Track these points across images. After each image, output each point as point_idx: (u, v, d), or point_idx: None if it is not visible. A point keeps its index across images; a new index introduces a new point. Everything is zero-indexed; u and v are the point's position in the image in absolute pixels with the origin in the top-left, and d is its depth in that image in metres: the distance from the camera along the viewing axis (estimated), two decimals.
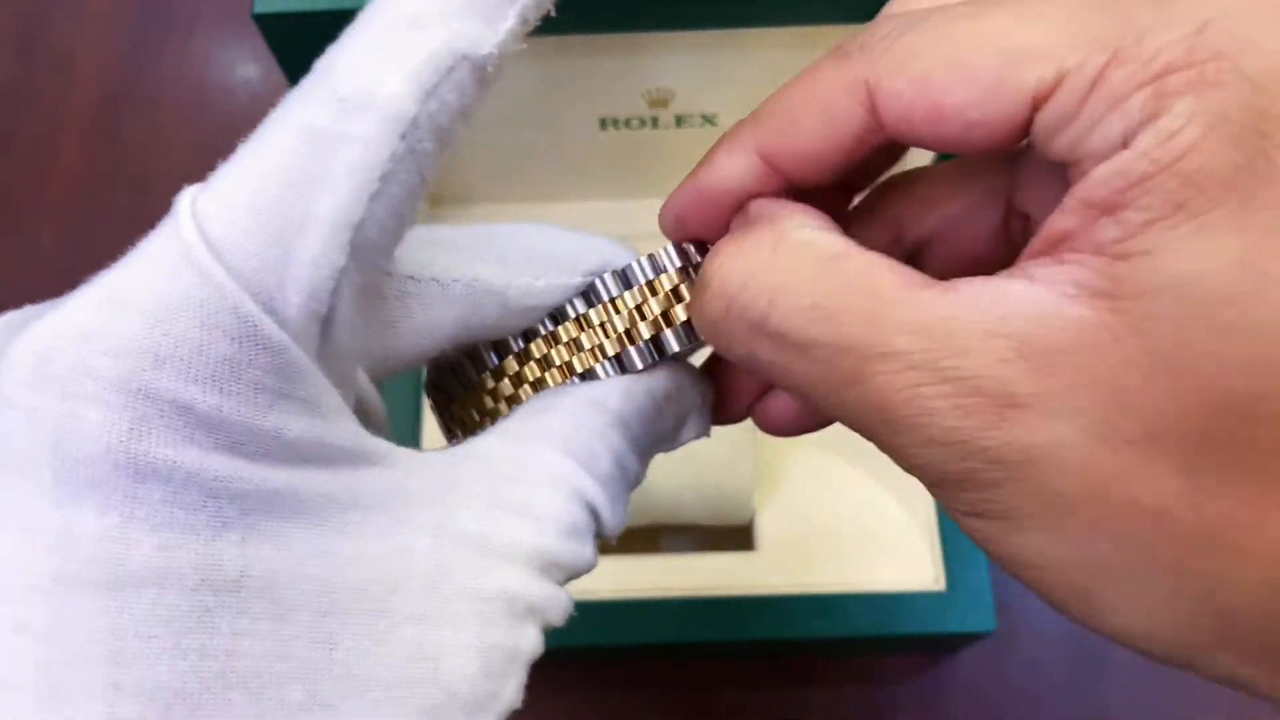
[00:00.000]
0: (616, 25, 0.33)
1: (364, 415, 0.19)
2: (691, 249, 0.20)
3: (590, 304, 0.20)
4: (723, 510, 0.45)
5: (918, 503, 0.45)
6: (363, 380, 0.19)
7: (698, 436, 0.22)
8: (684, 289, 0.20)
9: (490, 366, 0.21)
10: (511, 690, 0.17)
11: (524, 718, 0.55)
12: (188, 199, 0.15)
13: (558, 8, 0.18)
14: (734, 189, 0.20)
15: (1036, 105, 0.16)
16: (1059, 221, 0.16)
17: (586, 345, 0.20)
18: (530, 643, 0.17)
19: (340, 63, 0.16)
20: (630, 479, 0.20)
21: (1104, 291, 0.15)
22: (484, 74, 0.16)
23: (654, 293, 0.20)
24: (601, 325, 0.20)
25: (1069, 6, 0.16)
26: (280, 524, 0.15)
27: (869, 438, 0.17)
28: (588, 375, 0.20)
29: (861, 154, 0.19)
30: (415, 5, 0.16)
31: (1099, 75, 0.16)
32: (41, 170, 0.56)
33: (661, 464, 0.44)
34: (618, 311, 0.20)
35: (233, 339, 0.15)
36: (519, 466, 0.18)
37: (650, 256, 0.20)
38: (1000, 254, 0.22)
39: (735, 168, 0.19)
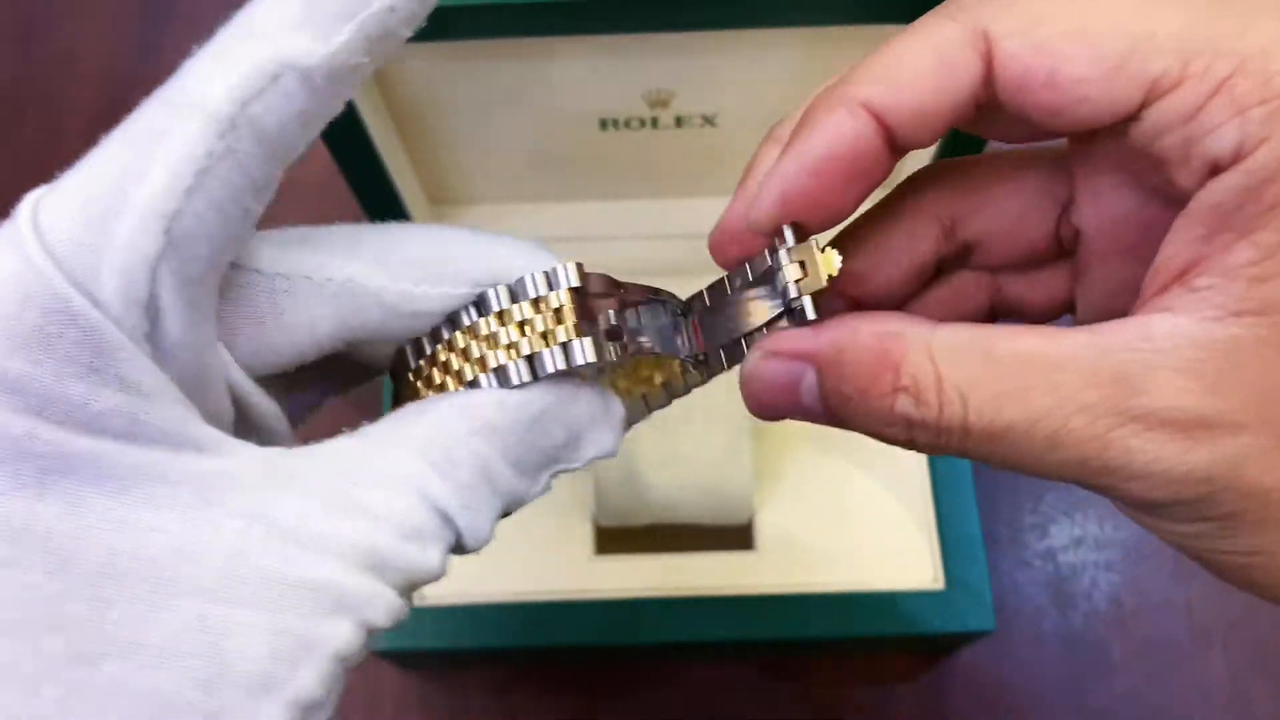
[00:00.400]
0: (616, 25, 0.33)
1: (244, 411, 0.20)
2: (570, 271, 0.20)
3: (481, 313, 0.20)
4: (722, 510, 0.45)
5: (917, 502, 0.45)
6: (237, 377, 0.19)
7: (604, 455, 0.21)
8: (567, 310, 0.19)
9: (411, 368, 0.21)
10: (306, 679, 0.17)
11: (524, 717, 0.55)
12: (36, 193, 0.17)
13: (430, 21, 0.18)
14: (844, 153, 0.19)
15: (1151, 96, 0.17)
16: (1183, 251, 0.18)
17: (475, 354, 0.20)
18: (338, 637, 0.17)
19: (187, 69, 0.17)
20: (504, 492, 0.20)
21: (1250, 310, 0.17)
22: (314, 84, 0.17)
23: (539, 310, 0.19)
24: (487, 337, 0.20)
25: (1196, 3, 0.17)
26: (77, 487, 0.16)
27: (1069, 482, 0.19)
28: (474, 384, 0.20)
29: (966, 115, 0.19)
30: (259, 18, 0.17)
31: (1223, 82, 0.17)
32: (42, 169, 0.56)
33: (661, 464, 0.44)
34: (503, 324, 0.20)
35: (46, 313, 0.16)
36: (366, 466, 0.18)
37: (547, 273, 0.20)
38: (1049, 256, 0.23)
39: (844, 129, 0.19)
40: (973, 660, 0.48)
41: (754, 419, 0.45)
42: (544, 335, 0.19)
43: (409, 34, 0.18)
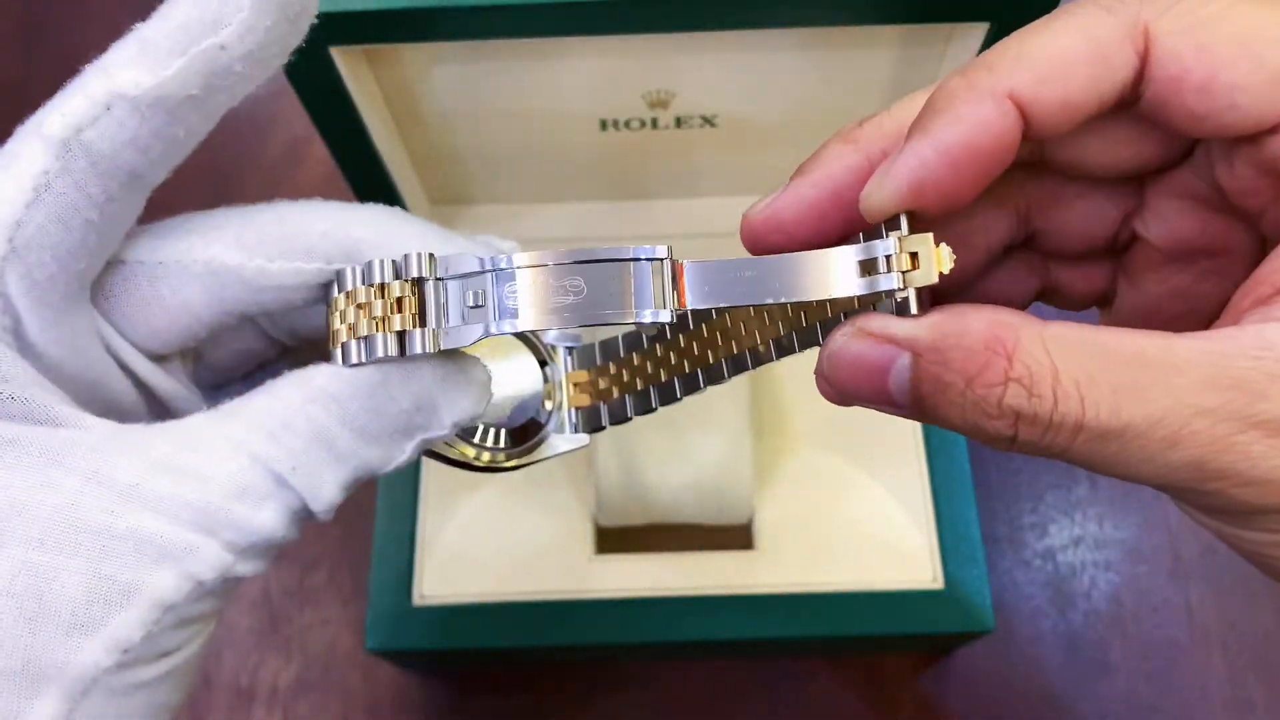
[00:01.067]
0: (616, 25, 0.33)
1: (151, 394, 0.22)
2: (421, 261, 0.20)
3: (340, 290, 0.21)
4: (723, 510, 0.45)
5: (917, 502, 0.45)
6: (135, 361, 0.21)
7: (469, 419, 0.22)
8: (408, 299, 0.20)
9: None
10: (124, 623, 0.18)
11: (524, 717, 0.55)
12: None
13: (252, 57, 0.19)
14: (987, 144, 0.19)
15: None
16: None
17: (335, 327, 0.21)
18: (160, 586, 0.18)
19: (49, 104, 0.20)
20: (347, 456, 0.20)
21: None
22: (143, 113, 0.19)
23: (382, 295, 0.20)
24: (340, 314, 0.21)
25: None
26: None
27: (1172, 490, 0.18)
28: (330, 358, 0.21)
29: (1106, 111, 0.19)
30: (110, 56, 0.19)
31: None
32: None
33: (661, 464, 0.44)
34: (353, 304, 0.20)
35: None
36: (207, 434, 0.20)
37: (395, 261, 0.20)
38: (1102, 251, 0.23)
39: (988, 120, 0.19)
40: (972, 660, 0.48)
41: (755, 419, 0.46)
42: (382, 320, 0.20)
43: (260, 73, 0.20)
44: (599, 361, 0.26)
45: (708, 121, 0.42)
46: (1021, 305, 0.24)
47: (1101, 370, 0.18)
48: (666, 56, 0.38)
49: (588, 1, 0.32)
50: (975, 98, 0.19)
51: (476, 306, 0.20)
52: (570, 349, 0.26)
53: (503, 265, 0.20)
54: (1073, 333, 0.18)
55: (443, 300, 0.20)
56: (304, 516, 0.20)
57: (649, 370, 0.25)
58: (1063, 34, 0.19)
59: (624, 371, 0.25)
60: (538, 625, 0.43)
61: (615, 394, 0.25)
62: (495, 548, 0.45)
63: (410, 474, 0.45)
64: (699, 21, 0.33)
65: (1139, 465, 0.18)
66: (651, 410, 0.25)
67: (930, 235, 0.19)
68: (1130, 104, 0.19)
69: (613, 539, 0.46)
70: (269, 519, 0.19)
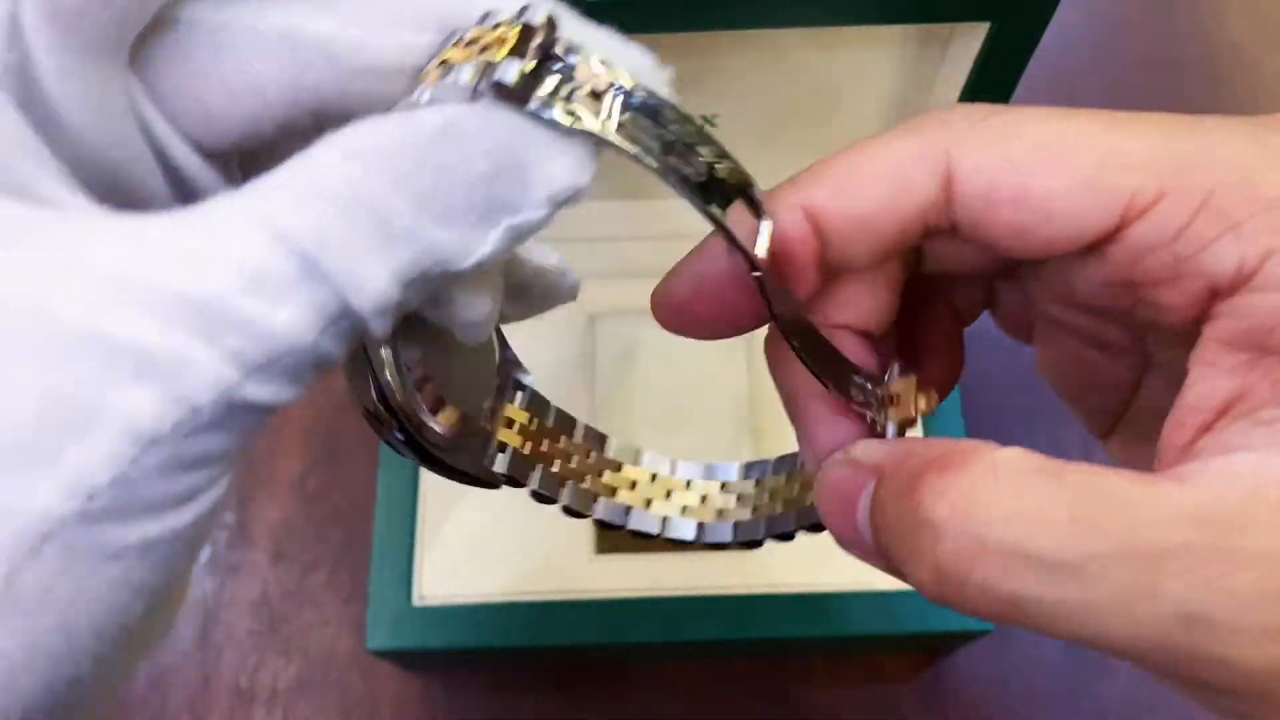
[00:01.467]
0: (616, 26, 0.33)
1: (189, 190, 0.18)
2: (538, 12, 0.17)
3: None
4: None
5: None
6: (176, 149, 0.17)
7: (568, 192, 0.17)
8: (510, 41, 0.16)
9: None
10: (84, 457, 0.13)
11: (524, 717, 0.55)
12: None
13: None
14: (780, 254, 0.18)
15: (1130, 215, 0.17)
16: (1223, 383, 0.16)
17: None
18: (136, 410, 0.13)
19: None
20: (405, 234, 0.15)
21: None
22: None
23: (488, 33, 0.16)
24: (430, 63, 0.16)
25: (1161, 125, 0.17)
26: None
27: (1160, 658, 0.15)
28: None
29: (911, 237, 0.18)
30: None
31: (1208, 198, 0.16)
32: None
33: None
34: (449, 44, 0.17)
35: None
36: (221, 212, 0.14)
37: (526, 7, 0.17)
38: (1004, 295, 0.22)
39: (780, 228, 0.18)
40: (973, 660, 0.48)
41: (755, 417, 0.45)
42: (477, 53, 0.16)
43: None
44: (550, 423, 0.24)
45: (708, 121, 0.42)
46: (973, 313, 0.23)
47: (1054, 499, 0.16)
48: (666, 56, 0.38)
49: (588, 1, 0.32)
50: (770, 210, 0.18)
51: (594, 95, 0.16)
52: (523, 386, 0.23)
53: (640, 96, 0.17)
54: (1029, 458, 0.16)
55: (555, 69, 0.16)
56: (347, 327, 0.15)
57: (589, 460, 0.23)
58: (863, 151, 0.18)
59: (569, 448, 0.23)
60: (538, 625, 0.43)
61: (551, 463, 0.23)
62: (495, 547, 0.45)
63: (410, 474, 0.45)
64: (699, 21, 0.33)
65: (1111, 618, 0.15)
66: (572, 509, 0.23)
67: (914, 379, 0.20)
68: (948, 229, 0.18)
69: (613, 539, 0.46)
70: (290, 318, 0.14)
